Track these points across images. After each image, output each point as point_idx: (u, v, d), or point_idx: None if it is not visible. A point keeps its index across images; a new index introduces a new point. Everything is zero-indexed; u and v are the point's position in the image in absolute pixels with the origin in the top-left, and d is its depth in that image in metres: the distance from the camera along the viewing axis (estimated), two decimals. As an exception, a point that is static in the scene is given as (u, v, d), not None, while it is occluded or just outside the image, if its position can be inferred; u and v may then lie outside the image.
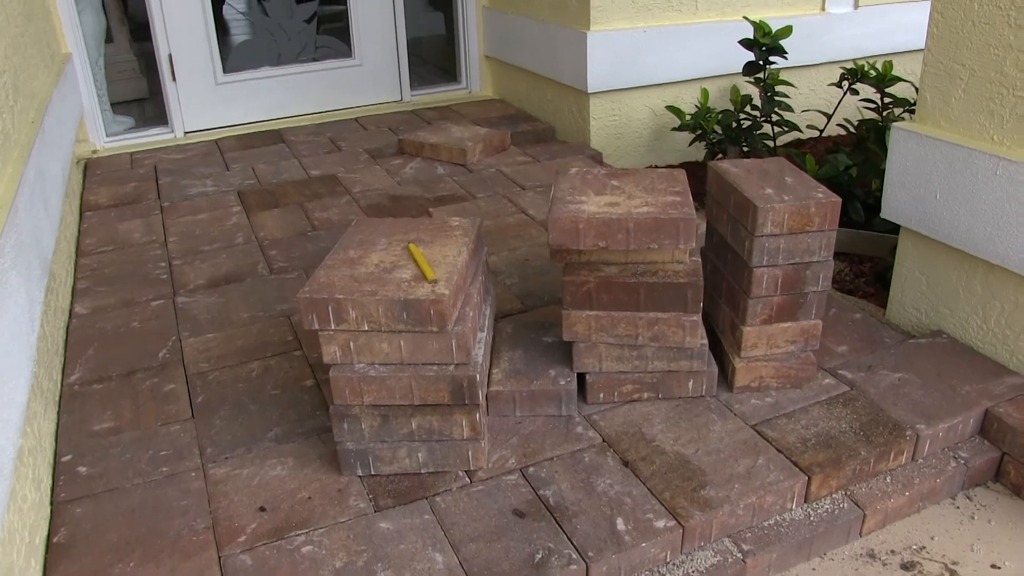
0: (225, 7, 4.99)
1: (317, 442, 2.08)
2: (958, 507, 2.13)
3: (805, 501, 2.00)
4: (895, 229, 2.58)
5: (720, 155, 3.96)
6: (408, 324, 1.83)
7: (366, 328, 1.83)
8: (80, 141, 4.35)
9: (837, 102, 4.13)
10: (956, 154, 2.30)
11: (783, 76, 4.00)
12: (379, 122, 4.70)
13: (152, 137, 4.59)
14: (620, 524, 1.82)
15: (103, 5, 4.56)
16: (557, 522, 1.82)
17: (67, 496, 1.95)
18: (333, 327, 1.83)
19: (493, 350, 2.29)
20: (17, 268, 1.99)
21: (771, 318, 2.18)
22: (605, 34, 3.97)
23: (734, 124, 3.90)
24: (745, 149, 3.86)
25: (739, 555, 1.86)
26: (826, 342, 2.48)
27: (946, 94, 2.35)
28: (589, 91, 4.07)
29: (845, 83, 3.90)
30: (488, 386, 2.14)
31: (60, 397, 2.31)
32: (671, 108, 4.05)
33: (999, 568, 1.95)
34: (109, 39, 5.17)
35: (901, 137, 2.46)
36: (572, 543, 1.77)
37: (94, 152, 4.41)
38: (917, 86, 3.90)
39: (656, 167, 4.36)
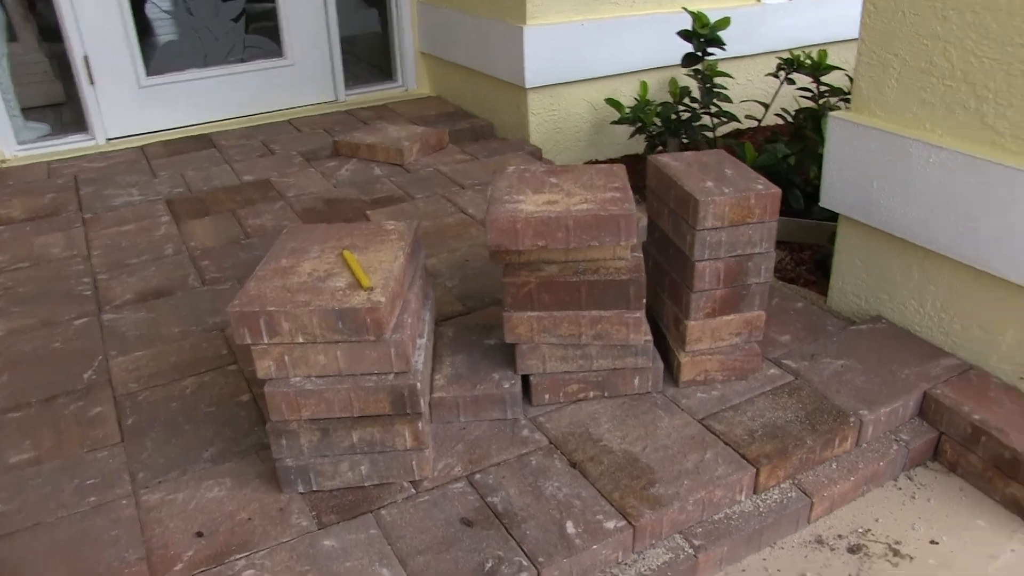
0: (148, 5, 4.88)
1: (255, 460, 2.05)
2: (900, 488, 2.17)
3: (754, 493, 2.03)
4: (834, 216, 2.63)
5: (660, 147, 3.98)
6: (344, 334, 1.81)
7: (301, 340, 1.81)
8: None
9: (774, 92, 4.18)
10: (891, 143, 2.35)
11: (721, 67, 4.05)
12: (313, 123, 4.65)
13: (71, 145, 4.46)
14: (570, 527, 1.82)
15: (0, 1, 4.39)
16: (506, 529, 1.82)
17: (-16, 535, 1.87)
18: (266, 341, 1.81)
19: (435, 355, 2.28)
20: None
21: (715, 311, 2.20)
22: (542, 28, 3.97)
23: (673, 116, 3.93)
24: (685, 141, 3.90)
25: (691, 551, 1.88)
26: (769, 332, 2.51)
27: (880, 84, 2.39)
28: (527, 86, 4.07)
29: (782, 73, 3.96)
30: (431, 393, 2.13)
31: (-27, 428, 2.23)
32: (610, 101, 4.06)
33: (938, 543, 2.01)
34: (12, 37, 5.00)
35: (837, 127, 2.50)
36: (522, 549, 1.77)
37: (3, 161, 4.27)
38: (851, 75, 3.98)
39: (596, 161, 4.38)
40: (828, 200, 2.60)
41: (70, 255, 3.18)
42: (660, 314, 2.39)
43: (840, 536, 2.03)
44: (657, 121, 3.92)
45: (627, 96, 4.33)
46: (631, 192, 2.13)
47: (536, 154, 4.10)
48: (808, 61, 3.81)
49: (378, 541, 1.80)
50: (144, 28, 4.77)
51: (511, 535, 1.80)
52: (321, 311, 1.78)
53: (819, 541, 2.02)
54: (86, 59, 4.34)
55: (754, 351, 2.27)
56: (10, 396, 2.35)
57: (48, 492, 1.98)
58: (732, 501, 1.99)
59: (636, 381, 2.22)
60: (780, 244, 3.36)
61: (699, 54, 3.84)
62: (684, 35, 3.83)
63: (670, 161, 2.27)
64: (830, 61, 3.84)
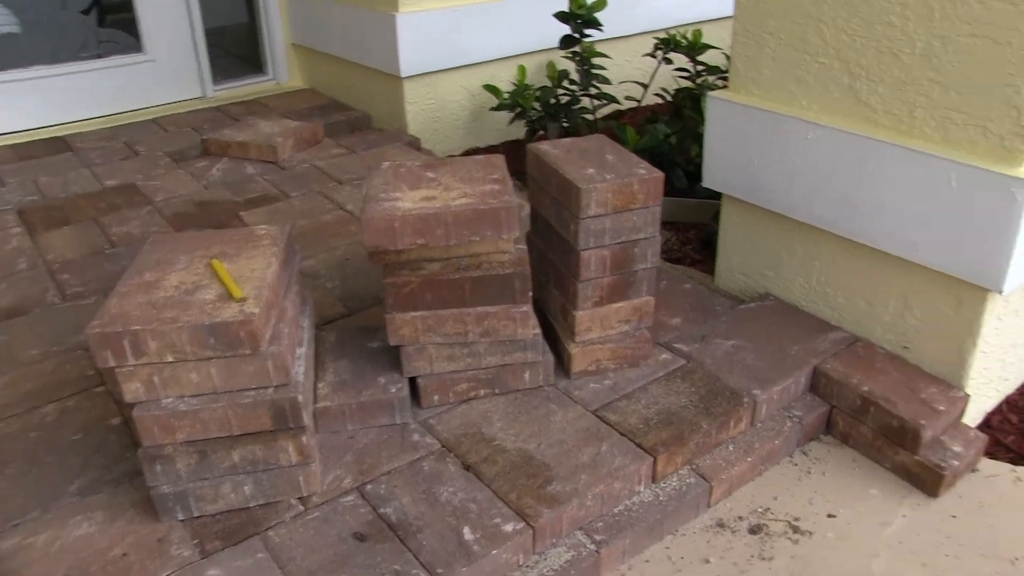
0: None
1: (129, 488, 1.93)
2: (796, 464, 2.21)
3: (653, 482, 2.02)
4: (718, 195, 2.65)
5: (541, 132, 3.97)
6: (218, 350, 1.72)
7: (171, 359, 1.71)
8: None
9: (653, 72, 4.21)
10: (769, 121, 2.37)
11: (599, 48, 4.05)
12: (180, 122, 4.46)
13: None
14: (468, 533, 1.78)
15: None
16: (401, 540, 1.77)
17: None
18: (132, 362, 1.70)
19: (316, 362, 2.20)
20: None
21: (603, 300, 2.18)
22: (415, 15, 3.90)
23: (553, 100, 3.91)
24: (565, 125, 3.89)
25: (592, 547, 1.86)
26: (659, 316, 2.51)
27: (756, 62, 2.41)
28: (402, 75, 4.00)
29: (659, 53, 3.99)
30: (314, 403, 2.05)
31: None
32: (488, 87, 4.02)
33: (835, 516, 2.05)
34: None
35: (716, 106, 2.51)
36: (419, 561, 1.72)
37: None
38: (727, 53, 4.04)
39: (477, 149, 4.34)
40: (710, 180, 2.62)
41: (-87, 277, 2.96)
42: (547, 305, 2.37)
43: (741, 518, 2.05)
44: (537, 106, 3.91)
45: (505, 81, 4.30)
46: (511, 183, 2.09)
47: (415, 144, 4.04)
48: (684, 41, 3.84)
49: (267, 565, 1.72)
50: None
51: (407, 547, 1.75)
52: (191, 327, 1.69)
53: (720, 525, 2.03)
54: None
55: (645, 337, 2.27)
56: None
57: None
58: (631, 492, 1.99)
59: (527, 376, 2.19)
60: (665, 224, 3.38)
61: (576, 36, 3.84)
62: (561, 17, 3.81)
63: (550, 149, 2.24)
64: (705, 40, 3.89)
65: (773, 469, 2.20)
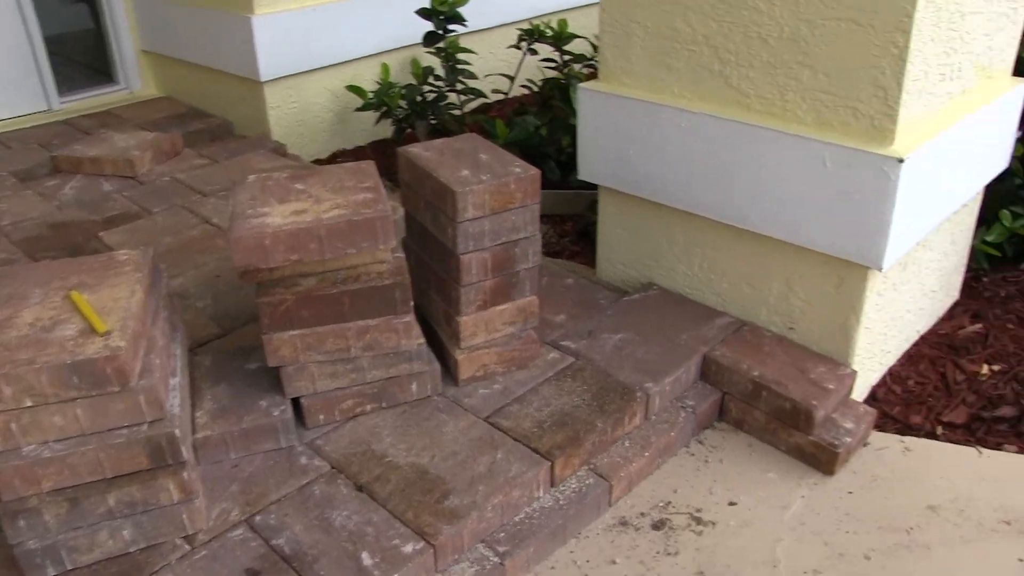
0: None
1: (-8, 546, 1.80)
2: (693, 454, 2.23)
3: (552, 486, 2.01)
4: (593, 184, 2.65)
5: (408, 129, 3.91)
6: (82, 389, 1.61)
7: (29, 403, 1.60)
8: None
9: (518, 64, 4.20)
10: (642, 110, 2.38)
11: (463, 43, 4.02)
12: (25, 138, 4.21)
13: None
14: (366, 559, 1.73)
15: None
16: (298, 573, 1.70)
17: None
18: (-15, 411, 1.58)
19: (193, 390, 2.10)
20: None
21: (486, 303, 2.15)
22: (272, 17, 3.78)
23: (419, 98, 3.86)
24: (433, 122, 3.85)
25: (496, 559, 1.84)
26: (544, 314, 2.50)
27: (625, 51, 2.41)
28: (262, 80, 3.88)
29: (524, 44, 3.98)
30: (193, 434, 1.96)
31: None
32: (352, 88, 3.94)
33: (736, 504, 2.08)
34: None
35: (587, 98, 2.51)
36: (316, 593, 1.66)
37: None
38: (593, 42, 4.06)
39: (344, 151, 4.25)
40: (586, 172, 2.62)
41: None
42: (430, 312, 2.32)
43: (643, 514, 2.05)
44: (403, 104, 3.85)
45: (369, 80, 4.22)
46: (383, 189, 2.03)
47: (280, 150, 3.92)
48: (549, 31, 3.84)
49: (152, 615, 1.63)
50: None
51: (303, 580, 1.69)
52: (50, 367, 1.58)
53: (623, 523, 2.03)
54: None
55: (531, 338, 2.25)
56: None
57: None
58: (531, 499, 1.96)
59: (414, 387, 2.14)
60: (541, 218, 3.37)
61: (440, 32, 3.80)
62: (423, 13, 3.77)
63: (422, 152, 2.19)
64: (571, 29, 3.89)
65: (671, 461, 2.21)
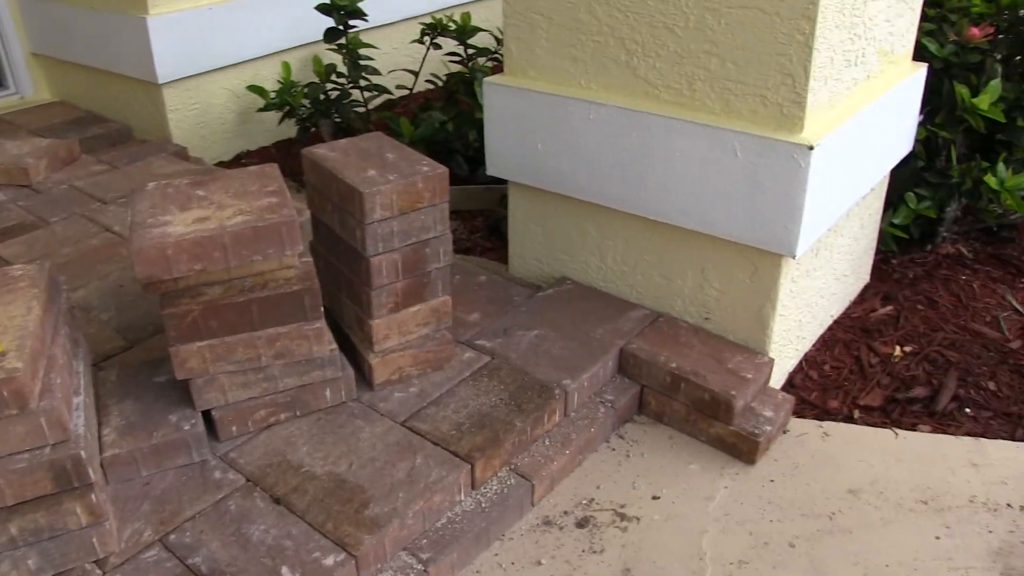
0: None
1: None
2: (614, 449, 2.24)
3: (473, 489, 2.00)
4: (502, 179, 2.65)
5: (313, 128, 3.86)
6: (-28, 414, 1.54)
7: (-86, 432, 1.52)
8: None
9: (422, 58, 4.17)
10: (549, 103, 2.38)
11: (365, 38, 3.97)
12: (-99, 150, 4.02)
13: None
14: (287, 574, 1.70)
15: None
16: (212, 593, 1.66)
17: None
18: None
19: (99, 407, 2.03)
20: None
21: (398, 305, 2.13)
22: (168, 16, 3.69)
23: (322, 96, 3.81)
24: (337, 120, 3.80)
25: (420, 567, 1.82)
26: (458, 313, 2.48)
27: (530, 44, 2.41)
28: (160, 82, 3.78)
29: (427, 39, 3.95)
30: (100, 453, 1.89)
31: None
32: (252, 88, 3.86)
33: (659, 498, 2.10)
34: None
35: (493, 92, 2.50)
36: (233, 614, 1.61)
37: None
38: (496, 36, 4.06)
39: (248, 152, 4.17)
40: (494, 168, 2.61)
41: None
42: (341, 316, 2.29)
43: (566, 512, 2.05)
44: (306, 103, 3.79)
45: (271, 79, 4.14)
46: (288, 193, 1.99)
47: (181, 154, 3.82)
48: (452, 24, 3.83)
49: (58, 648, 1.57)
50: None
51: (219, 601, 1.64)
52: (-66, 393, 1.51)
53: (547, 523, 2.03)
54: None
55: (446, 339, 2.23)
56: None
57: None
58: (452, 503, 1.95)
59: (328, 393, 2.11)
60: (451, 214, 3.35)
61: (341, 27, 3.75)
62: (323, 9, 3.71)
63: (327, 152, 2.16)
64: (474, 22, 3.88)
65: (592, 457, 2.22)
